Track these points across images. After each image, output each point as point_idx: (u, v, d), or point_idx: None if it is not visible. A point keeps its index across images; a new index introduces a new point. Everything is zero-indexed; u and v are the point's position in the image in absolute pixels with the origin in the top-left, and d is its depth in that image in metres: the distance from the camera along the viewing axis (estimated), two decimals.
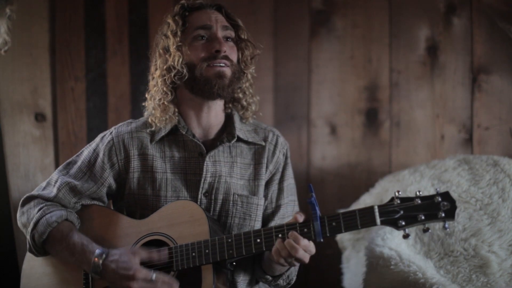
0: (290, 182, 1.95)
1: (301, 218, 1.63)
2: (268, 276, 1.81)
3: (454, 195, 1.56)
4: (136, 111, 2.82)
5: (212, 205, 1.83)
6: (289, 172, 1.95)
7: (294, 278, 1.88)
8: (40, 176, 2.74)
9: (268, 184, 1.91)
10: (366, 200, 2.58)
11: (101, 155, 1.85)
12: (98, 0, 2.84)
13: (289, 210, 1.91)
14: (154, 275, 1.64)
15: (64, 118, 2.85)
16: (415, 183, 2.43)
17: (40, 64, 2.80)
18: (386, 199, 2.51)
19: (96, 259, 1.68)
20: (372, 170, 2.78)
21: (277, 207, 1.90)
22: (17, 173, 2.72)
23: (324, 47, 2.81)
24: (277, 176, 1.92)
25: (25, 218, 1.82)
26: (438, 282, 1.94)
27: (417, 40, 2.76)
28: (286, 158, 1.95)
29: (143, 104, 1.94)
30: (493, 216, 2.32)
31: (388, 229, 2.29)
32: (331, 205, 2.72)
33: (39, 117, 2.79)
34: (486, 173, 2.42)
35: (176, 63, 1.80)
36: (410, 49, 2.77)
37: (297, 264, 1.67)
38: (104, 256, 1.68)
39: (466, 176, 2.43)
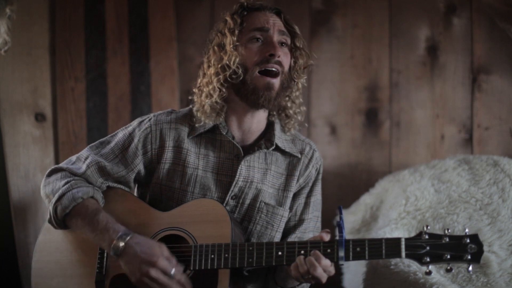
0: (317, 198, 1.92)
1: (327, 237, 1.61)
2: None
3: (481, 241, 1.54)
4: (137, 111, 2.82)
5: (238, 209, 1.82)
6: (318, 188, 1.93)
7: None
8: (40, 176, 2.74)
9: (295, 196, 1.89)
10: (366, 200, 2.58)
11: (135, 140, 1.83)
12: (98, 0, 2.84)
13: (311, 225, 1.89)
14: (174, 271, 1.61)
15: (64, 118, 2.85)
16: (415, 183, 2.43)
17: (40, 64, 2.80)
18: (386, 199, 2.53)
19: (119, 240, 1.65)
20: (372, 170, 2.78)
21: (300, 221, 1.88)
22: (17, 173, 2.71)
23: (324, 47, 2.81)
24: (306, 190, 1.90)
25: (49, 189, 1.80)
26: (438, 282, 1.94)
27: (417, 40, 2.76)
28: (318, 174, 1.92)
29: (190, 97, 1.90)
30: (493, 216, 2.32)
31: (388, 228, 2.30)
32: (331, 205, 2.71)
33: (39, 117, 2.79)
34: (486, 173, 2.42)
35: (232, 62, 1.77)
36: (410, 49, 2.77)
37: (313, 282, 1.63)
38: (128, 237, 1.66)
39: (466, 176, 2.43)
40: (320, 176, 1.93)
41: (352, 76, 2.80)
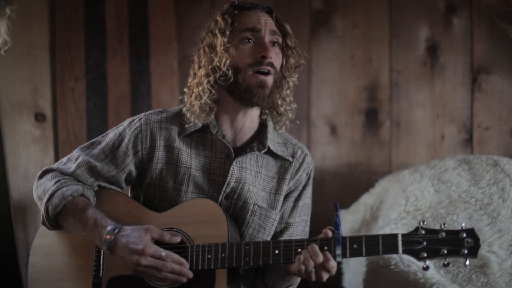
0: (306, 201, 1.90)
1: (331, 234, 1.60)
2: None
3: (478, 234, 1.55)
4: (136, 111, 2.82)
5: (231, 210, 1.80)
6: (307, 192, 1.91)
7: None
8: None
9: (284, 199, 1.87)
10: (366, 200, 2.59)
11: (126, 140, 1.81)
12: (98, 0, 2.84)
13: (299, 230, 1.87)
14: (164, 252, 1.61)
15: (64, 118, 2.85)
16: (415, 183, 2.43)
17: (40, 64, 2.80)
18: (386, 199, 2.53)
19: (108, 235, 1.65)
20: (372, 170, 2.79)
21: (287, 225, 1.86)
22: (17, 173, 2.72)
23: (324, 47, 2.81)
24: (295, 194, 1.88)
25: (41, 190, 1.80)
26: (438, 282, 1.95)
27: (417, 40, 2.76)
28: (308, 178, 1.91)
29: (180, 97, 1.89)
30: (493, 216, 2.32)
31: (388, 228, 2.30)
32: (331, 205, 2.70)
33: (39, 117, 2.80)
34: (486, 173, 2.42)
35: (222, 64, 1.74)
36: (410, 49, 2.77)
37: (313, 279, 1.61)
38: (116, 231, 1.65)
39: (466, 176, 2.43)
40: (310, 181, 1.92)
41: (352, 76, 2.80)
